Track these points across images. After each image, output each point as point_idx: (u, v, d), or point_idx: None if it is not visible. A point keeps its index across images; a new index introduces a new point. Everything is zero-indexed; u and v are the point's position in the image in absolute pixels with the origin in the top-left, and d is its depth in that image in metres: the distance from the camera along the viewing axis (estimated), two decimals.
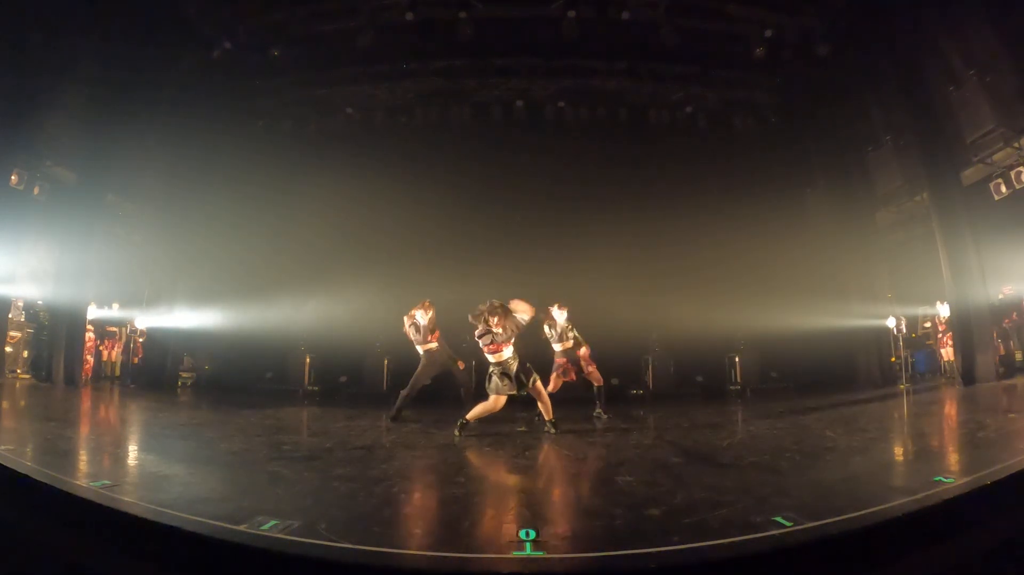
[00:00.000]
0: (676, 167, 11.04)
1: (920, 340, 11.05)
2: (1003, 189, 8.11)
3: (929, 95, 8.75)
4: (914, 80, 8.93)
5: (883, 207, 10.51)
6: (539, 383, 5.32)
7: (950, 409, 6.85)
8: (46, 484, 2.88)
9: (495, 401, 5.15)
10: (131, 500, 2.73)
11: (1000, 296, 8.79)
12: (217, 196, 10.42)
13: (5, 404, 6.79)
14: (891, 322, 9.87)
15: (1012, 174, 7.99)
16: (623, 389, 9.74)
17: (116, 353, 11.24)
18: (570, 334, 6.41)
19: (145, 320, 10.70)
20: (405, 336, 6.54)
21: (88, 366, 10.01)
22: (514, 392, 5.17)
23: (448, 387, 7.19)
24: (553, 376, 6.35)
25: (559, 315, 6.43)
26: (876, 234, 10.81)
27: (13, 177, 8.11)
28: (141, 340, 11.02)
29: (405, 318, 6.47)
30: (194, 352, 11.23)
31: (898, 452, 4.41)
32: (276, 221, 10.70)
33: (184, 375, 11.01)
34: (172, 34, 9.17)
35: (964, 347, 8.32)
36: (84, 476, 3.31)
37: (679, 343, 10.12)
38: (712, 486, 3.16)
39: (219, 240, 10.71)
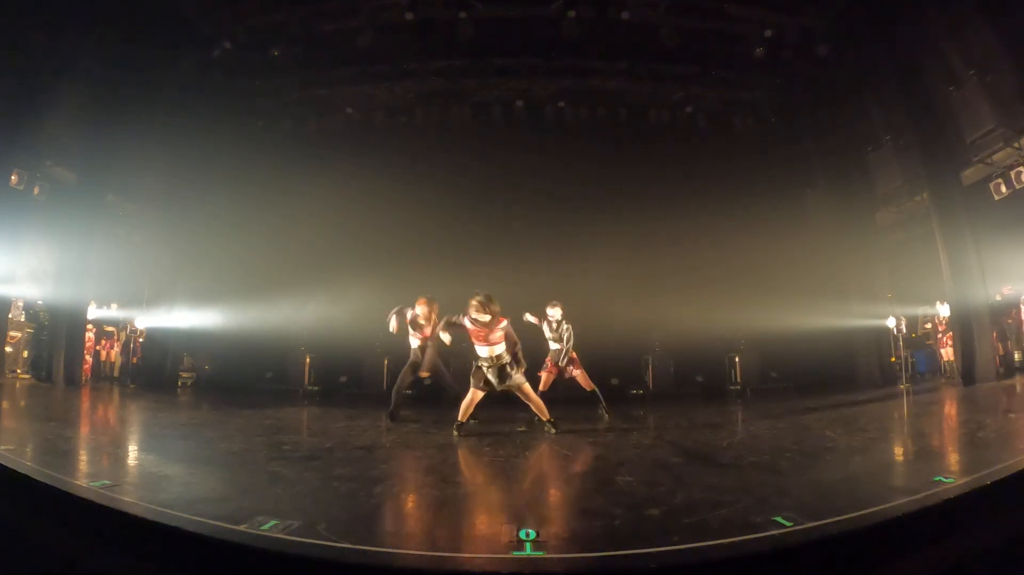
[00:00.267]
0: (676, 167, 11.03)
1: (920, 340, 11.05)
2: (1003, 189, 8.11)
3: (929, 95, 8.75)
4: (914, 80, 8.92)
5: (883, 207, 10.50)
6: (527, 387, 5.29)
7: (950, 409, 6.85)
8: (46, 484, 2.88)
9: (474, 394, 5.20)
10: (131, 500, 2.73)
11: (997, 298, 8.78)
12: (217, 196, 10.41)
13: (5, 404, 6.78)
14: (891, 322, 9.86)
15: (1012, 174, 7.99)
16: (623, 389, 9.74)
17: (115, 353, 11.23)
18: (564, 333, 6.43)
19: (145, 320, 10.70)
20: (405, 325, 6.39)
21: (87, 366, 10.00)
22: (494, 389, 5.19)
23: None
24: (543, 375, 6.44)
25: (552, 313, 6.49)
26: (876, 234, 10.81)
27: (13, 177, 8.11)
28: (141, 340, 11.02)
29: (408, 311, 6.42)
30: (194, 352, 11.22)
31: (898, 452, 4.41)
32: (276, 221, 10.69)
33: (184, 375, 11.01)
34: (172, 34, 9.17)
35: (964, 347, 8.32)
36: (84, 476, 3.31)
37: (679, 343, 10.12)
38: (712, 486, 3.16)
39: (219, 240, 10.72)
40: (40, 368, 9.24)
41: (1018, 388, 7.63)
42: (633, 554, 2.15)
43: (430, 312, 6.32)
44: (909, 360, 10.48)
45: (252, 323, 10.06)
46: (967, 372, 8.20)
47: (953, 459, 3.88)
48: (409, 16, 9.19)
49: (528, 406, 5.37)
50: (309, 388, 10.18)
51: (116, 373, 11.12)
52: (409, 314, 6.31)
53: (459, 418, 5.24)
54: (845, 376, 10.21)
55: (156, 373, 10.50)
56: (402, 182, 9.93)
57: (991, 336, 8.39)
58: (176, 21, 9.04)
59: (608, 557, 2.17)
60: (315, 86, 11.06)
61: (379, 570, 2.16)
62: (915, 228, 10.14)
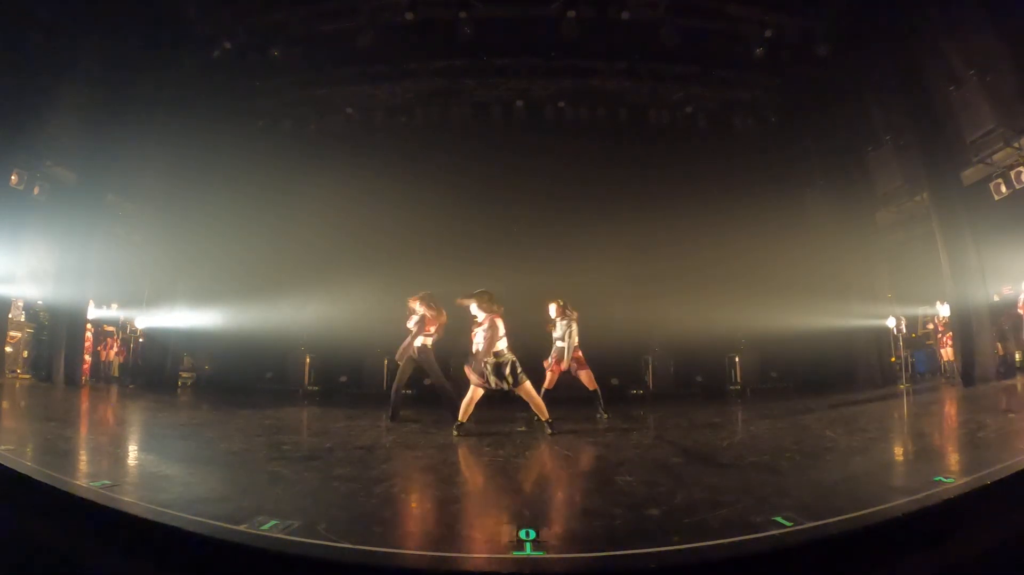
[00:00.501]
0: (676, 167, 11.05)
1: (920, 340, 11.05)
2: (1003, 189, 8.11)
3: (929, 95, 8.74)
4: (914, 80, 8.92)
5: (883, 207, 10.50)
6: (528, 385, 5.27)
7: (950, 409, 6.85)
8: (46, 484, 2.88)
9: (474, 392, 5.20)
10: (131, 500, 2.73)
11: (996, 298, 8.78)
12: (217, 196, 10.42)
13: (5, 404, 6.78)
14: (891, 322, 9.87)
15: (1012, 174, 7.98)
16: (623, 389, 9.75)
17: (113, 353, 11.23)
18: (564, 331, 6.44)
19: (145, 320, 10.70)
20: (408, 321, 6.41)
21: (87, 366, 10.00)
22: (498, 387, 5.17)
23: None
24: (548, 374, 6.46)
25: (550, 310, 6.56)
26: (876, 234, 10.80)
27: (13, 177, 8.11)
28: (140, 340, 11.02)
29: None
30: (194, 352, 11.23)
31: (898, 452, 4.41)
32: (276, 221, 10.71)
33: (184, 375, 11.01)
34: (172, 34, 9.17)
35: (964, 347, 8.32)
36: (84, 476, 3.31)
37: (679, 343, 10.13)
38: (712, 486, 3.16)
39: (219, 240, 10.72)
40: (40, 368, 9.23)
41: (1018, 388, 7.62)
42: (633, 554, 2.15)
43: (429, 309, 6.29)
44: (909, 360, 10.48)
45: (252, 323, 10.06)
46: (967, 372, 8.19)
47: (953, 459, 3.88)
48: (409, 16, 9.19)
49: (528, 406, 5.36)
50: (309, 388, 10.19)
51: (116, 373, 11.12)
52: (415, 317, 6.33)
53: (459, 418, 5.24)
54: (845, 376, 10.22)
55: (156, 373, 10.51)
56: (402, 182, 9.93)
57: (991, 336, 8.39)
58: (176, 21, 9.04)
59: (608, 557, 2.17)
60: (315, 86, 11.05)
61: (379, 570, 2.16)
62: (915, 228, 10.14)
